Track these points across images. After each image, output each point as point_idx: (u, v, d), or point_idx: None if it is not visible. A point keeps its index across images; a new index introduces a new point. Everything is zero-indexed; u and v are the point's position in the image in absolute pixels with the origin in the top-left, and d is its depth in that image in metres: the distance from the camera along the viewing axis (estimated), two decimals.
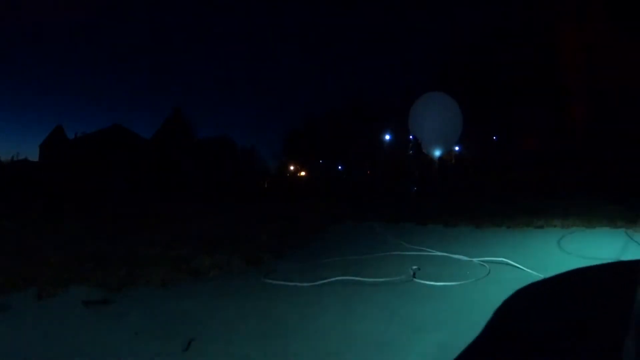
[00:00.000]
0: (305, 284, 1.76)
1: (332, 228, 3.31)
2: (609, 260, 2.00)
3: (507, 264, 2.03)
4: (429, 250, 2.39)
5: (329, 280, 1.78)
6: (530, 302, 1.41)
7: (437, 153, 20.57)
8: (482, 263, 2.05)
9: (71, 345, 1.03)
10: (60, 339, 1.05)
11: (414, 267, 1.91)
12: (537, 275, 1.82)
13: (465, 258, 2.17)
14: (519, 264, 1.99)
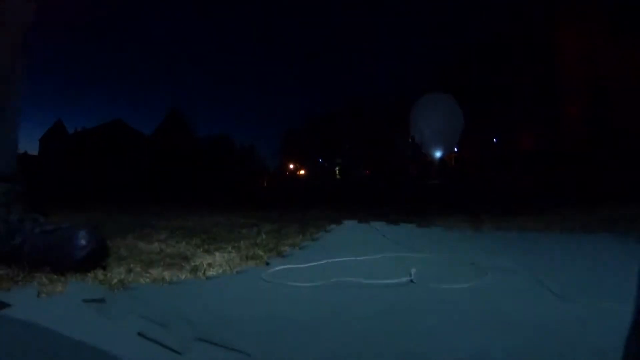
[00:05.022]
0: (304, 284, 1.76)
1: (332, 228, 3.31)
2: None
3: (506, 266, 2.04)
4: (429, 252, 2.40)
5: (329, 281, 1.78)
6: None
7: (438, 154, 20.59)
8: (481, 266, 2.06)
9: (71, 344, 1.03)
10: (60, 338, 1.06)
11: (413, 269, 1.91)
12: (536, 277, 1.82)
13: (465, 261, 2.18)
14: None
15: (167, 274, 1.95)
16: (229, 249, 2.57)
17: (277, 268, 2.09)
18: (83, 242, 1.84)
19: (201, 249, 2.57)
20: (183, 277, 1.94)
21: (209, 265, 2.15)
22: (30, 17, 1.85)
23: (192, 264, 2.17)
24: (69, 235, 1.85)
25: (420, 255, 2.34)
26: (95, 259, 1.92)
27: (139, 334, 1.03)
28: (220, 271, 2.07)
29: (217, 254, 2.42)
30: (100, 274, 1.87)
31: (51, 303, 1.23)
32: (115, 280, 1.80)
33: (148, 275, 1.92)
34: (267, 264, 2.24)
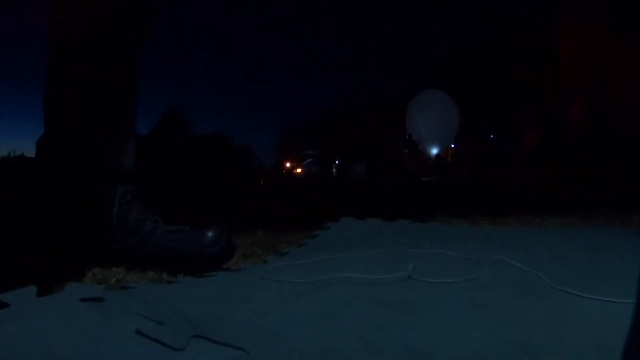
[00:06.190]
0: (302, 281, 1.76)
1: (329, 225, 3.31)
2: None
3: (504, 261, 2.04)
4: (427, 247, 2.40)
5: (326, 277, 1.78)
6: None
7: (435, 150, 20.59)
8: (479, 261, 2.06)
9: (70, 342, 1.03)
10: (59, 336, 1.06)
11: (411, 264, 1.91)
12: (535, 272, 1.83)
13: (463, 256, 2.18)
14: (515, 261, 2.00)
15: (165, 274, 1.94)
16: None
17: (275, 265, 2.09)
18: (215, 239, 1.97)
19: None
20: (181, 276, 1.94)
21: None
22: (150, 15, 1.97)
23: None
24: (199, 234, 1.95)
25: (417, 250, 2.34)
26: (225, 255, 2.05)
27: (137, 331, 1.02)
28: (219, 269, 2.07)
29: None
30: (98, 273, 1.87)
31: (49, 302, 1.23)
32: (113, 280, 1.80)
33: (147, 274, 1.92)
34: (265, 261, 2.24)
